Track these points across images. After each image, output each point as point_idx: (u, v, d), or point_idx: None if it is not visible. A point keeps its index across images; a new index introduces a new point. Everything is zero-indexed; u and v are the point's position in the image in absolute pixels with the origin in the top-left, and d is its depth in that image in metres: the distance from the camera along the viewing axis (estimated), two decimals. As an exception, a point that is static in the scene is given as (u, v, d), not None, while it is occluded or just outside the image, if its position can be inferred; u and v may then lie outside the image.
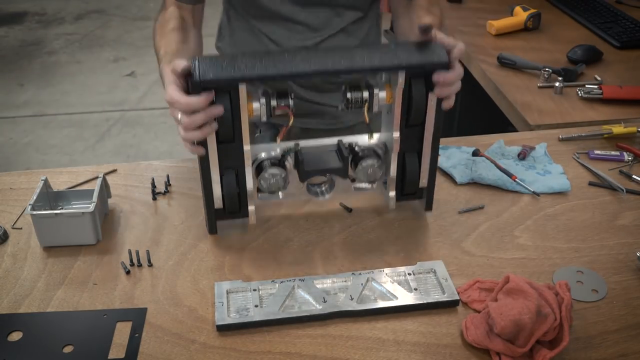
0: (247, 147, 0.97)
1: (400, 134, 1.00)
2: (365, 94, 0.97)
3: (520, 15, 1.94)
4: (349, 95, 0.97)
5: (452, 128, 2.51)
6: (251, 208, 1.03)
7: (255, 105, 0.94)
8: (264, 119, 0.95)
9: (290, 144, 1.02)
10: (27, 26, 4.66)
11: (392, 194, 1.05)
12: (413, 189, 1.06)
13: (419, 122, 1.00)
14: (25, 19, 4.78)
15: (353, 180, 1.05)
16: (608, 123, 1.37)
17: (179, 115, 0.90)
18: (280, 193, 1.04)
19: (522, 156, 1.24)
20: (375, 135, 1.04)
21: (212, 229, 1.03)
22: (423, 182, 1.05)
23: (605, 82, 1.60)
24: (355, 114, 1.25)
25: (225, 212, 1.03)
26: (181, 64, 0.90)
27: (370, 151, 1.01)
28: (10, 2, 5.05)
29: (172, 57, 1.03)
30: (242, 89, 0.91)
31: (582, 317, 0.89)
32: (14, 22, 4.70)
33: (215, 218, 1.03)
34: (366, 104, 0.97)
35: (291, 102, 0.95)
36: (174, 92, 0.89)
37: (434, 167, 1.04)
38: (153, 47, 1.13)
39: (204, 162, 0.96)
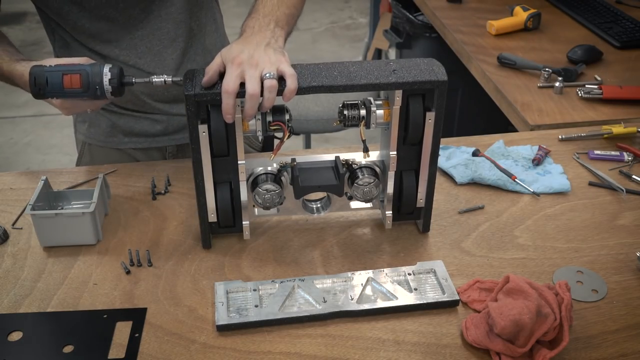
0: (241, 161, 0.96)
1: (398, 153, 0.99)
2: (363, 112, 0.96)
3: (520, 15, 1.94)
4: (346, 112, 0.96)
5: (452, 128, 2.52)
6: (245, 223, 1.02)
7: (251, 120, 0.94)
8: (259, 133, 0.95)
9: (287, 159, 1.01)
10: (27, 26, 4.66)
11: (389, 213, 1.04)
12: (410, 208, 1.05)
13: (416, 141, 0.99)
14: (25, 19, 4.78)
15: (350, 198, 1.04)
16: (608, 123, 1.37)
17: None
18: (276, 209, 1.04)
19: (536, 162, 1.23)
20: (373, 153, 1.03)
21: (207, 243, 1.02)
22: (420, 201, 1.04)
23: (605, 82, 1.60)
24: None
25: (220, 226, 1.02)
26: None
27: (368, 169, 1.00)
28: (10, 2, 5.04)
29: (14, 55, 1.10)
30: (237, 103, 0.91)
31: (582, 317, 0.89)
32: (14, 22, 4.70)
33: (209, 232, 1.02)
34: (363, 121, 0.96)
35: (287, 116, 0.95)
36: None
37: (431, 187, 1.02)
38: None
39: (198, 174, 0.95)
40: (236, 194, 1.00)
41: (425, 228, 1.06)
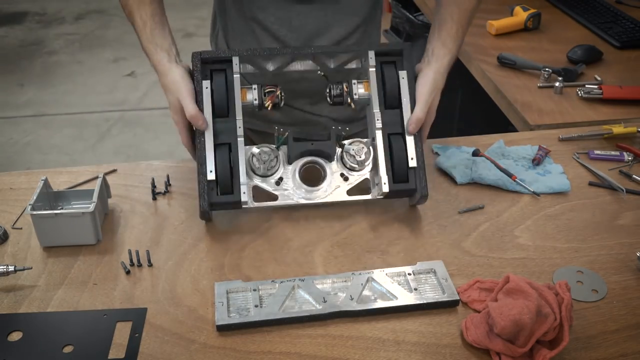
0: (239, 117, 1.04)
1: (382, 118, 1.07)
2: (345, 85, 1.10)
3: (520, 15, 1.94)
4: (332, 90, 1.09)
5: (452, 128, 2.51)
6: (243, 186, 1.03)
7: (249, 96, 1.07)
8: (255, 102, 1.06)
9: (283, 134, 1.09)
10: (27, 26, 4.66)
11: (384, 175, 1.05)
12: (403, 171, 1.06)
13: (396, 103, 1.08)
14: (26, 19, 4.78)
15: (346, 179, 1.07)
16: (608, 123, 1.37)
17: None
18: (277, 196, 1.05)
19: (536, 162, 1.23)
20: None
21: (206, 215, 1.04)
22: (412, 161, 1.06)
23: (605, 82, 1.60)
24: (353, 125, 1.26)
25: (219, 192, 1.03)
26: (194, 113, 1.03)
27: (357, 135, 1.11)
28: (10, 2, 5.05)
29: (155, 29, 1.10)
30: (235, 61, 1.05)
31: (582, 317, 0.90)
32: (14, 22, 4.70)
33: (208, 199, 1.02)
34: (347, 92, 1.09)
35: (279, 90, 1.08)
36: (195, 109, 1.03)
37: (420, 146, 1.07)
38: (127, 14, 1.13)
39: (199, 137, 1.03)
40: (234, 156, 1.04)
41: (422, 191, 1.05)
